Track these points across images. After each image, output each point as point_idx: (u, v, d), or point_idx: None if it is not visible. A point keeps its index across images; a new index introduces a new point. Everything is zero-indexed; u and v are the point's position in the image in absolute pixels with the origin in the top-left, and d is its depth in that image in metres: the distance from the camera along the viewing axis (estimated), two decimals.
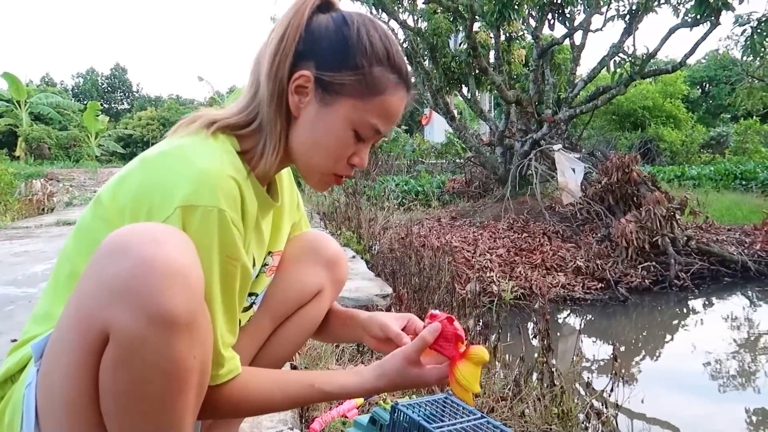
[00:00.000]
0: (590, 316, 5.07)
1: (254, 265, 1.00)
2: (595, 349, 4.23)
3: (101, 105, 27.15)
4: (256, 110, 0.93)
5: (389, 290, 2.92)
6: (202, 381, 0.81)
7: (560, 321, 4.92)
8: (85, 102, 25.94)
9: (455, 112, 9.12)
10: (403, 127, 18.25)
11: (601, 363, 3.89)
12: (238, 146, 0.93)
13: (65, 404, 0.78)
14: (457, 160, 12.06)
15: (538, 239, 6.33)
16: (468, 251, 5.76)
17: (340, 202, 5.73)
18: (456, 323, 0.96)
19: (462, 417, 1.27)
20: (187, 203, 0.80)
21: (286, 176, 1.16)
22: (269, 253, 1.09)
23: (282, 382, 0.93)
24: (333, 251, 1.19)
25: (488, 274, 5.11)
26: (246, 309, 1.07)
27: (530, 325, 4.03)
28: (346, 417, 1.59)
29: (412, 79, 0.98)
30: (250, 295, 1.07)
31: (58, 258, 0.93)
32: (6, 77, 19.44)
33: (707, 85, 30.02)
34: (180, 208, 0.80)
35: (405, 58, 0.98)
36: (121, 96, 45.18)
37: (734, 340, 4.50)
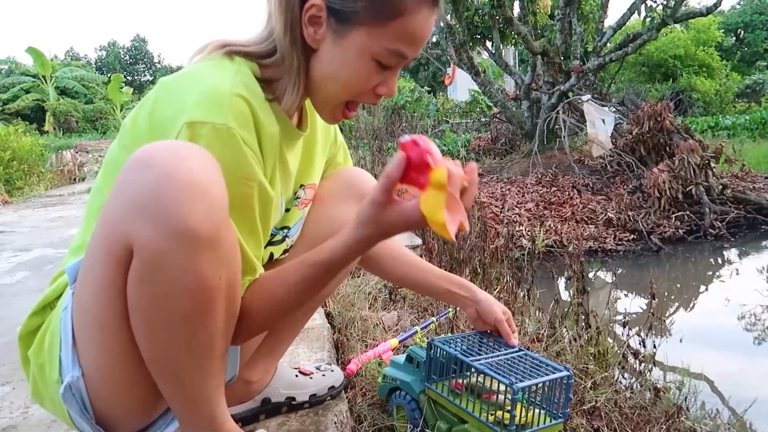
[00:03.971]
0: (622, 269, 5.00)
1: (280, 195, 0.98)
2: (627, 302, 4.18)
3: (124, 77, 27.32)
4: (274, 43, 0.89)
5: (419, 241, 2.91)
6: (232, 306, 0.80)
7: (591, 275, 4.86)
8: (109, 75, 26.11)
9: (479, 68, 8.91)
10: (426, 87, 17.98)
11: (634, 315, 3.84)
12: (258, 73, 0.89)
13: (96, 322, 0.79)
14: (482, 119, 11.86)
15: (567, 192, 6.23)
16: (496, 207, 5.71)
17: (366, 160, 5.70)
18: (428, 144, 0.80)
19: (500, 351, 1.27)
20: (193, 120, 0.77)
21: None
22: (301, 185, 1.07)
23: (281, 275, 0.88)
24: (370, 186, 1.16)
25: (517, 228, 5.06)
26: (279, 242, 1.06)
27: (562, 278, 3.99)
28: (381, 358, 1.60)
29: None
30: (282, 228, 1.06)
31: (91, 193, 0.94)
32: (30, 52, 19.61)
33: (742, 32, 28.77)
34: (186, 124, 0.77)
35: None
36: (143, 67, 45.37)
37: None
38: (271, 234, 1.03)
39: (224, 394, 0.86)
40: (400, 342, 1.70)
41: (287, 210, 1.05)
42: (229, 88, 0.81)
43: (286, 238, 1.07)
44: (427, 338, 1.75)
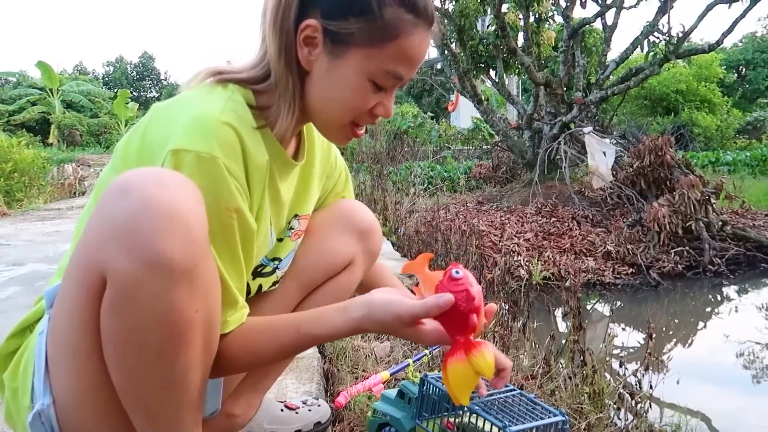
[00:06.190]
0: (620, 302, 4.96)
1: (270, 224, 0.96)
2: (625, 336, 4.14)
3: (131, 93, 27.50)
4: (267, 66, 0.88)
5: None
6: (208, 339, 0.77)
7: (589, 307, 4.82)
8: (116, 90, 26.32)
9: (482, 96, 8.97)
10: (429, 113, 18.11)
11: (631, 350, 3.80)
12: (252, 100, 0.88)
13: (70, 349, 0.77)
14: (484, 146, 11.93)
15: (566, 224, 6.22)
16: (495, 235, 5.68)
17: (365, 185, 5.70)
18: (476, 300, 0.76)
19: (494, 389, 1.23)
20: (178, 147, 0.76)
21: (322, 140, 1.11)
22: (295, 216, 1.05)
23: (271, 331, 0.86)
24: (366, 221, 1.15)
25: (516, 258, 5.03)
26: (269, 274, 1.04)
27: (559, 310, 3.95)
28: (371, 392, 1.56)
29: (434, 13, 0.88)
30: (274, 260, 1.03)
31: (82, 214, 0.92)
32: (39, 66, 19.82)
33: (743, 69, 29.09)
34: (171, 152, 0.76)
35: None
36: (149, 84, 45.72)
37: None
38: (262, 265, 1.01)
39: (201, 429, 0.83)
40: (391, 375, 1.66)
41: (279, 240, 1.03)
42: (217, 115, 0.80)
43: (277, 270, 1.05)
44: (419, 371, 1.72)
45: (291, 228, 1.05)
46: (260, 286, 1.03)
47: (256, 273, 1.01)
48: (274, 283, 1.07)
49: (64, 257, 0.92)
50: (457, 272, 0.78)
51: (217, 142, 0.78)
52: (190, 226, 0.71)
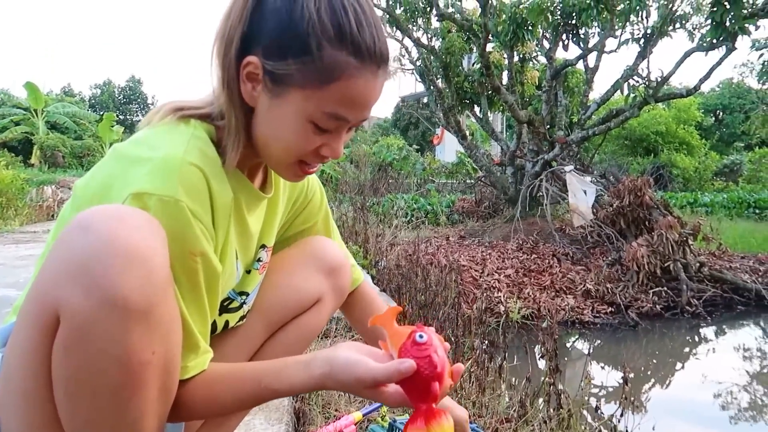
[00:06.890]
0: (599, 341, 4.96)
1: (237, 259, 0.95)
2: (604, 375, 4.13)
3: (117, 116, 27.41)
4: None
5: (394, 305, 2.85)
6: (166, 382, 0.75)
7: (568, 345, 4.82)
8: (102, 113, 26.22)
9: (467, 132, 9.10)
10: (415, 146, 18.29)
11: (610, 389, 3.78)
12: (215, 135, 0.87)
13: (20, 391, 0.74)
14: (468, 180, 12.04)
15: (547, 261, 6.25)
16: (476, 270, 5.68)
17: (347, 217, 5.69)
18: (439, 367, 0.74)
19: None
20: (140, 191, 0.74)
21: None
22: (263, 246, 1.03)
23: (232, 381, 0.83)
24: (334, 258, 1.13)
25: (496, 294, 5.03)
26: (236, 309, 1.02)
27: (537, 347, 3.94)
28: None
29: (384, 52, 0.83)
30: (241, 294, 1.02)
31: (42, 251, 0.90)
32: (26, 86, 19.74)
33: (721, 113, 29.92)
34: (131, 195, 0.74)
35: (376, 29, 0.82)
36: (136, 108, 45.65)
37: (747, 371, 4.38)
38: (229, 299, 0.99)
39: None
40: (363, 416, 1.63)
41: (248, 272, 1.01)
42: (181, 156, 0.78)
43: (244, 305, 1.03)
44: (393, 412, 1.68)
45: (259, 260, 1.03)
46: (227, 322, 1.01)
47: (223, 308, 0.99)
48: (242, 318, 1.05)
49: (20, 295, 0.89)
50: (421, 336, 0.75)
51: (182, 185, 0.77)
52: (150, 265, 0.69)
